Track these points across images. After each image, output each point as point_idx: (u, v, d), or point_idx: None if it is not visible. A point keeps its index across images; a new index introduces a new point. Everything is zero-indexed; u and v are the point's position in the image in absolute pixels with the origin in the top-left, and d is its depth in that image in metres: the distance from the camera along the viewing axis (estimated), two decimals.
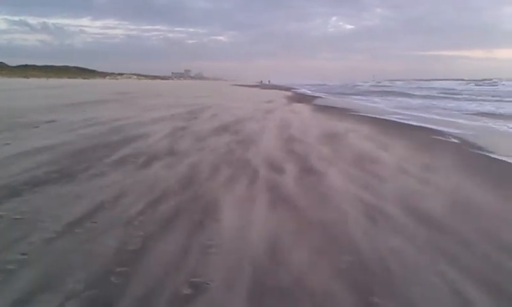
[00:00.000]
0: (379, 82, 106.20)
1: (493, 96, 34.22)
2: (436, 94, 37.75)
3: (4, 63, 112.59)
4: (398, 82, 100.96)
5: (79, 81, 70.32)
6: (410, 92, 43.17)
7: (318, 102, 25.73)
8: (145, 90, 37.65)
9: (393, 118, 15.22)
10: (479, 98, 31.66)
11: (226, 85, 73.25)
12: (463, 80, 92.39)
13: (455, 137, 10.00)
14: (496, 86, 60.30)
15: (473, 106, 22.59)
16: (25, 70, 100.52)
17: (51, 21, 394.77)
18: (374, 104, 24.49)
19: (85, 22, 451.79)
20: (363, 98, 32.86)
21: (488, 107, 21.58)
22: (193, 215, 3.94)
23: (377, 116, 15.44)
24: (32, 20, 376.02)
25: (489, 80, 78.21)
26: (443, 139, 9.88)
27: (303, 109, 18.50)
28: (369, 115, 15.80)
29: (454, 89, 51.64)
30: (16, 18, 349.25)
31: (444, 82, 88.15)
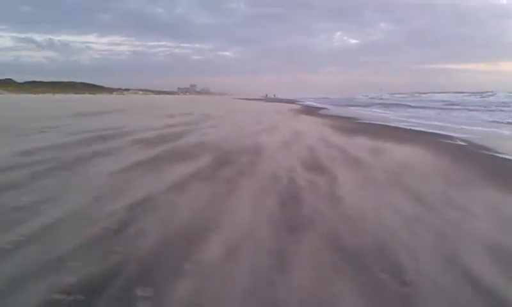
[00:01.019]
0: (381, 96, 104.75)
1: (497, 106, 34.72)
2: (444, 106, 36.64)
3: (11, 80, 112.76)
4: (398, 95, 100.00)
5: (86, 96, 69.62)
6: (420, 105, 42.06)
7: (331, 113, 24.38)
8: (148, 104, 36.68)
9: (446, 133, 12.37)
10: (488, 108, 30.47)
11: (232, 99, 72.13)
12: (464, 92, 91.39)
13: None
14: (492, 97, 62.60)
15: (486, 116, 21.30)
16: (33, 86, 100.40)
17: (57, 38, 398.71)
18: (395, 116, 22.93)
19: (91, 38, 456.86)
20: (379, 110, 30.82)
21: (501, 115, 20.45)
22: None
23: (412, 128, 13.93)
24: (38, 37, 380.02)
25: (490, 92, 78.45)
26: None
27: (315, 123, 15.35)
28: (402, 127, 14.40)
29: (456, 101, 51.17)
30: (22, 36, 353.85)
31: (445, 94, 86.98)
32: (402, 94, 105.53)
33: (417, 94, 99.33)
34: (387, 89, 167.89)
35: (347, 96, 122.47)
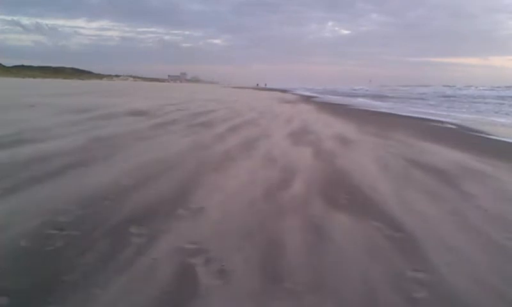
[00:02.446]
0: (367, 88, 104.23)
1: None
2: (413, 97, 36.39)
3: None
4: (379, 88, 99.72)
5: (76, 82, 67.41)
6: (397, 96, 41.52)
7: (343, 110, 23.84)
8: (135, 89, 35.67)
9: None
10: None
11: (222, 87, 71.02)
12: (448, 86, 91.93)
13: None
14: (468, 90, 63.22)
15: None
16: (21, 70, 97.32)
17: (45, 21, 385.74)
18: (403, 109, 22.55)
19: (80, 23, 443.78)
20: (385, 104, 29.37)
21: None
22: None
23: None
24: (25, 20, 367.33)
25: (470, 86, 79.63)
26: None
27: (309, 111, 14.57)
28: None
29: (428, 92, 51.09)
30: (9, 18, 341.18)
31: (427, 88, 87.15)
32: (383, 87, 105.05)
33: (397, 87, 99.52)
34: (377, 81, 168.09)
35: (337, 86, 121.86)
